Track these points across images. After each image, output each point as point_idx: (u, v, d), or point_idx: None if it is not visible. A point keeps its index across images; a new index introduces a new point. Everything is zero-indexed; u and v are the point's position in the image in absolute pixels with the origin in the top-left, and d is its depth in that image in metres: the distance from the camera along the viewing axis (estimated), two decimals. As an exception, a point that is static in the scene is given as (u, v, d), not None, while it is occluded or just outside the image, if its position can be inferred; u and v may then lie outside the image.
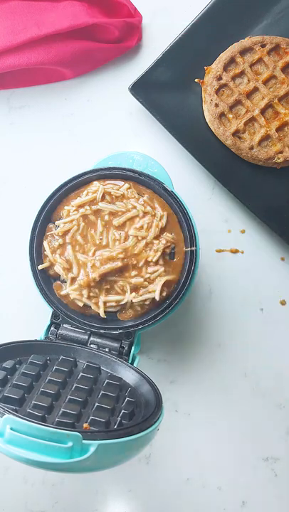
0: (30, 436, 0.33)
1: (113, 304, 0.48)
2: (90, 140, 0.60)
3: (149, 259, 0.48)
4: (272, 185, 0.57)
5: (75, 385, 0.43)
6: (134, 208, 0.48)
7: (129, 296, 0.48)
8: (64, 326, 0.49)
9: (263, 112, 0.55)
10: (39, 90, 0.61)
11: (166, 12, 0.61)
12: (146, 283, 0.48)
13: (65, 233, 0.49)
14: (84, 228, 0.49)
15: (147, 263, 0.48)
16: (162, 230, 0.49)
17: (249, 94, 0.56)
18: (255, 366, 0.57)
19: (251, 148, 0.55)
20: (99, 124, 0.60)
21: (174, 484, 0.55)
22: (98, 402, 0.41)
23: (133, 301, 0.47)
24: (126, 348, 0.49)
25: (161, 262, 0.48)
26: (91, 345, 0.49)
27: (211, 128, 0.56)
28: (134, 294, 0.48)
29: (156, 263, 0.48)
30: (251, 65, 0.56)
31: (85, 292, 0.48)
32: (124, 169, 0.49)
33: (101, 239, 0.49)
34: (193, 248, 0.48)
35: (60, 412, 0.39)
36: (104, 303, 0.48)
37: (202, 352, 0.57)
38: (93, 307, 0.48)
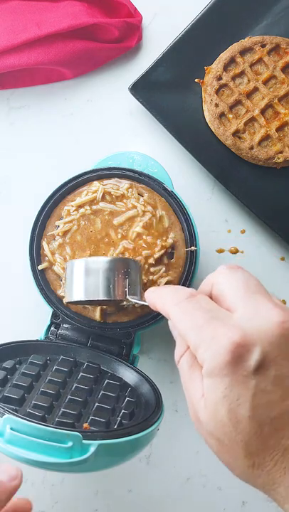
0: (30, 436, 0.33)
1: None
2: (90, 140, 0.60)
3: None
4: (272, 185, 0.57)
5: (75, 385, 0.43)
6: (135, 207, 0.48)
7: None
8: (64, 326, 0.49)
9: (263, 112, 0.55)
10: (39, 90, 0.61)
11: (166, 12, 0.61)
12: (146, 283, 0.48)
13: (65, 233, 0.49)
14: (84, 228, 0.49)
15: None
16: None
17: (249, 94, 0.56)
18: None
19: (251, 148, 0.55)
20: (99, 124, 0.60)
21: (174, 484, 0.55)
22: (98, 402, 0.41)
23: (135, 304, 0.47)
24: (126, 348, 0.49)
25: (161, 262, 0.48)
26: (91, 345, 0.49)
27: (211, 128, 0.56)
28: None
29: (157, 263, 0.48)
30: (251, 65, 0.56)
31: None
32: (124, 169, 0.49)
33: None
34: (193, 248, 0.48)
35: (60, 412, 0.39)
36: (102, 308, 0.48)
37: (202, 352, 0.57)
38: (91, 309, 0.48)
